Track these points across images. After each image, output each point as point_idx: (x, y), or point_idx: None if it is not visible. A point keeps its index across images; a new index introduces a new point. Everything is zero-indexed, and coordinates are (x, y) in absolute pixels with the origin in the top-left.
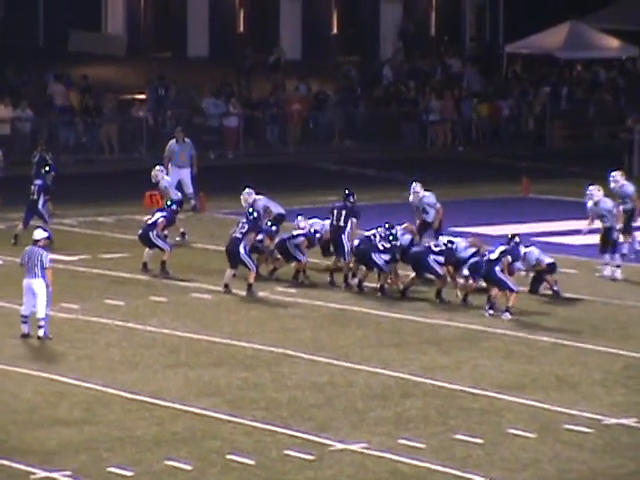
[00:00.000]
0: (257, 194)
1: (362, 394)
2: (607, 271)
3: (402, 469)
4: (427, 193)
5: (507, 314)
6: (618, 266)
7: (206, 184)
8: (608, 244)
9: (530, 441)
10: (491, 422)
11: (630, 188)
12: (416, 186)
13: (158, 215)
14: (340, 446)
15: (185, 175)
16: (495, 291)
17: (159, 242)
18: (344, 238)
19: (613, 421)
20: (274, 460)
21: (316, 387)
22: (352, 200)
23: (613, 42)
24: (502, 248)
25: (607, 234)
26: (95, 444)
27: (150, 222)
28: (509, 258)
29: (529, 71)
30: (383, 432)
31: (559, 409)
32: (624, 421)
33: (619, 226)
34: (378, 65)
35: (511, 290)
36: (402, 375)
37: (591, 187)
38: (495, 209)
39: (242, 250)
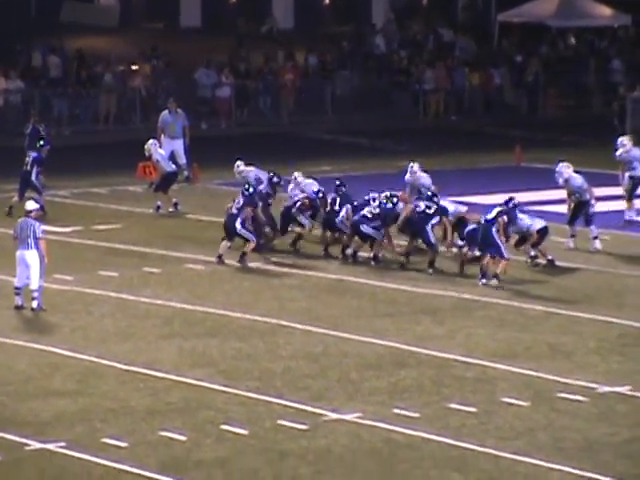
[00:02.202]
0: (248, 165)
1: (356, 364)
2: (571, 243)
3: (396, 438)
4: (424, 174)
5: (495, 280)
6: (596, 237)
7: (199, 155)
8: (578, 216)
9: (524, 410)
10: (485, 391)
11: (638, 152)
12: (414, 166)
13: (242, 202)
14: (334, 416)
15: (178, 146)
16: (487, 259)
17: (243, 232)
18: (337, 221)
19: (607, 389)
20: (268, 430)
21: (310, 357)
22: (344, 190)
23: (605, 10)
24: (499, 209)
25: (580, 207)
26: (89, 415)
27: (234, 210)
28: (505, 218)
29: (522, 39)
30: (377, 402)
31: (553, 378)
32: (619, 389)
33: (593, 200)
34: (371, 34)
35: (502, 257)
36: (396, 345)
37: (560, 164)
38: (488, 178)
39: (239, 225)
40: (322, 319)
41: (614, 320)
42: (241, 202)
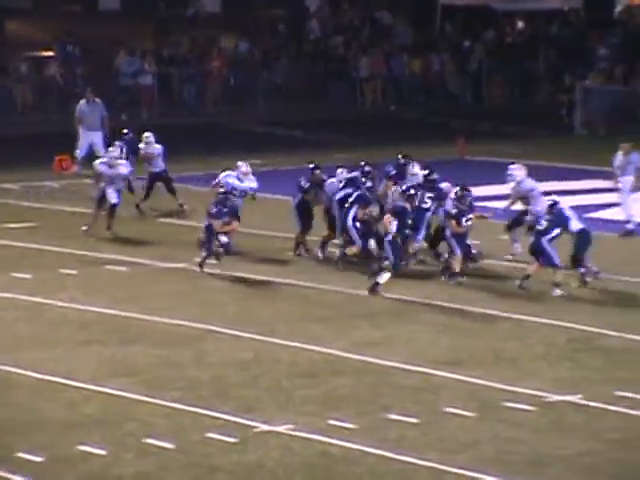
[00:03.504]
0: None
1: (288, 372)
2: (519, 249)
3: (331, 451)
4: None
5: (558, 290)
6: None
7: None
8: (517, 225)
9: (468, 420)
10: (427, 400)
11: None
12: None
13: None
14: (265, 428)
15: (97, 138)
16: (535, 267)
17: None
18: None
19: (557, 398)
20: (195, 443)
21: (240, 365)
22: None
23: None
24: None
25: (523, 216)
26: (2, 428)
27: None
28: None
29: (466, 24)
30: (311, 412)
31: (499, 386)
32: (569, 398)
33: (539, 207)
34: (304, 19)
35: (554, 265)
36: (331, 351)
37: (512, 167)
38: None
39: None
40: (252, 324)
41: (563, 324)
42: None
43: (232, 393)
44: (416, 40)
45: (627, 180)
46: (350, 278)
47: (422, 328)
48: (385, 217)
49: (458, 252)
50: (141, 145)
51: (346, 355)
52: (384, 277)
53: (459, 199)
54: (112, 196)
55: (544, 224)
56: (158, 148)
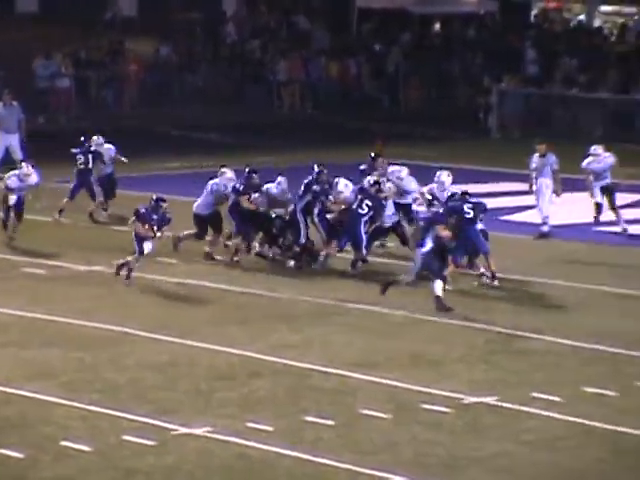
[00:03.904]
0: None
1: (206, 375)
2: None
3: (249, 453)
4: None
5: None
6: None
7: (36, 150)
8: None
9: (385, 422)
10: (344, 403)
11: (611, 160)
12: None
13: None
14: (183, 430)
15: (14, 141)
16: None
17: None
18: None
19: (473, 400)
20: (112, 446)
21: (157, 367)
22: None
23: None
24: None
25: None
26: None
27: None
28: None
29: (383, 27)
30: (229, 415)
31: (416, 388)
32: (485, 400)
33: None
34: (221, 23)
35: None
36: (249, 354)
37: (442, 172)
38: (347, 175)
39: None
40: (169, 326)
41: (480, 326)
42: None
43: (150, 396)
44: (333, 44)
45: (543, 182)
46: (268, 280)
47: (340, 330)
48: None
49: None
50: (92, 148)
51: (264, 357)
52: (438, 288)
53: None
54: (12, 199)
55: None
56: (111, 149)
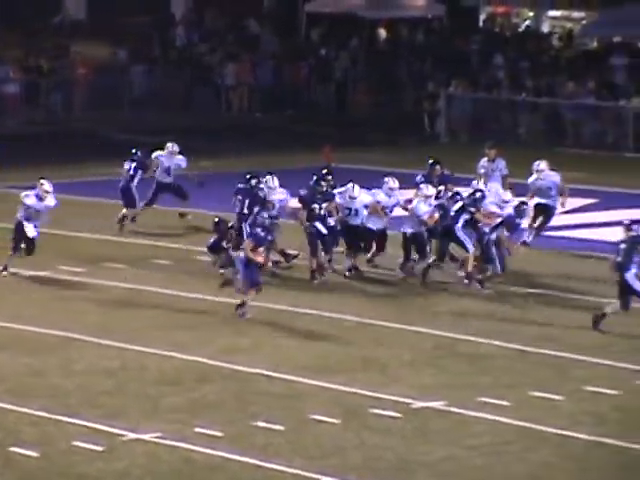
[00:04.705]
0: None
1: (155, 380)
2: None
3: (197, 459)
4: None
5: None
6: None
7: None
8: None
9: (334, 427)
10: (293, 407)
11: (556, 178)
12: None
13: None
14: (132, 436)
15: None
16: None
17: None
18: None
19: (422, 404)
20: (61, 452)
21: (106, 373)
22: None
23: (419, 0)
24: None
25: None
26: None
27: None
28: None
29: (331, 32)
30: (177, 420)
31: (365, 392)
32: (434, 404)
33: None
34: (170, 26)
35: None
36: (197, 359)
37: (389, 179)
38: (295, 180)
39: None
40: (118, 332)
41: (428, 331)
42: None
43: (99, 401)
44: (282, 48)
45: (492, 186)
46: (215, 286)
47: (289, 335)
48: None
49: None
50: (163, 153)
51: (212, 362)
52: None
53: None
54: (30, 230)
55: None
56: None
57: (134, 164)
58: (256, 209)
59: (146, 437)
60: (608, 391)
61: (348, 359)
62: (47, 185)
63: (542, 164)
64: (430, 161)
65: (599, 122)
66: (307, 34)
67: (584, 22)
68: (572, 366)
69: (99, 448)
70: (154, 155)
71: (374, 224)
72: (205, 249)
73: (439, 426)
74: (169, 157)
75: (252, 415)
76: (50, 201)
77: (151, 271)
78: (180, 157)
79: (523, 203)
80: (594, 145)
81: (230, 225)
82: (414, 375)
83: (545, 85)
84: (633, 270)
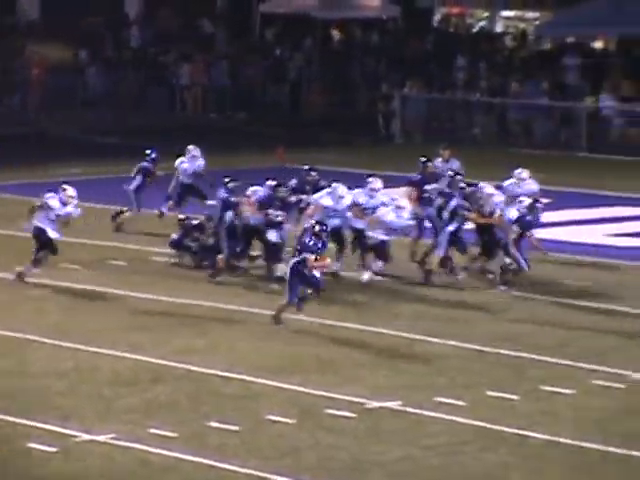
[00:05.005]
0: None
1: (109, 381)
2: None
3: (152, 460)
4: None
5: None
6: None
7: None
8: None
9: (289, 427)
10: (248, 408)
11: (534, 187)
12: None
13: None
14: (86, 437)
15: None
16: None
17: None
18: None
19: (377, 404)
20: (16, 453)
21: (60, 374)
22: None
23: (373, 1)
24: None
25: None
26: None
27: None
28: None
29: (286, 32)
30: (131, 421)
31: (320, 393)
32: (388, 404)
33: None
34: (124, 26)
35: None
36: (152, 360)
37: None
38: (250, 180)
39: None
40: (73, 333)
41: (384, 331)
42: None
43: (53, 402)
44: (236, 48)
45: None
46: (172, 286)
47: (244, 336)
48: None
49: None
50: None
51: (167, 363)
52: None
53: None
54: (52, 233)
55: None
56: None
57: (138, 169)
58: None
59: (100, 438)
60: (564, 391)
61: (303, 359)
62: (71, 190)
63: (524, 173)
64: (422, 159)
65: (552, 122)
66: (261, 34)
67: (538, 22)
68: (529, 366)
69: (53, 449)
70: (177, 163)
71: (356, 224)
72: (160, 250)
73: (394, 426)
74: (192, 160)
75: (206, 415)
76: (73, 209)
77: (106, 272)
78: (201, 159)
79: (536, 201)
80: (547, 145)
81: (196, 224)
82: (369, 375)
83: (499, 85)
84: None
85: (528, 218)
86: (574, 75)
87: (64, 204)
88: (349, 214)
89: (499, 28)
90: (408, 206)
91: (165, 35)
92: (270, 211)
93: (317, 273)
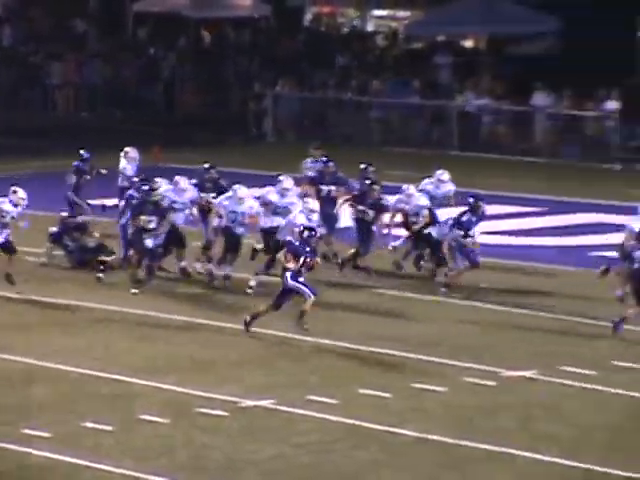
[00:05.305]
0: None
1: None
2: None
3: (27, 460)
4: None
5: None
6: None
7: None
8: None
9: (163, 427)
10: (123, 408)
11: (451, 188)
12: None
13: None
14: None
15: None
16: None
17: None
18: None
19: (250, 403)
20: None
21: None
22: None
23: (245, 0)
24: None
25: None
26: None
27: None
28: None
29: (159, 31)
30: (6, 421)
31: (194, 392)
32: (262, 403)
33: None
34: None
35: None
36: (26, 360)
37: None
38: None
39: None
40: None
41: (258, 330)
42: None
43: None
44: (109, 47)
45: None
46: (47, 287)
47: (120, 336)
48: None
49: None
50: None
51: (42, 364)
52: None
53: None
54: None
55: None
56: None
57: (72, 170)
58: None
59: None
60: (435, 388)
61: (178, 359)
62: (21, 192)
63: (445, 175)
64: (362, 166)
65: (424, 121)
66: (134, 33)
67: (408, 21)
68: (401, 364)
69: None
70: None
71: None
72: (32, 249)
73: (267, 425)
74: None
75: (81, 416)
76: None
77: None
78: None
79: (476, 198)
80: (420, 144)
81: (78, 224)
82: (243, 375)
83: (371, 84)
84: None
85: (471, 218)
86: (446, 74)
87: (15, 205)
88: (247, 220)
89: (370, 27)
90: (317, 208)
91: (37, 35)
92: (142, 217)
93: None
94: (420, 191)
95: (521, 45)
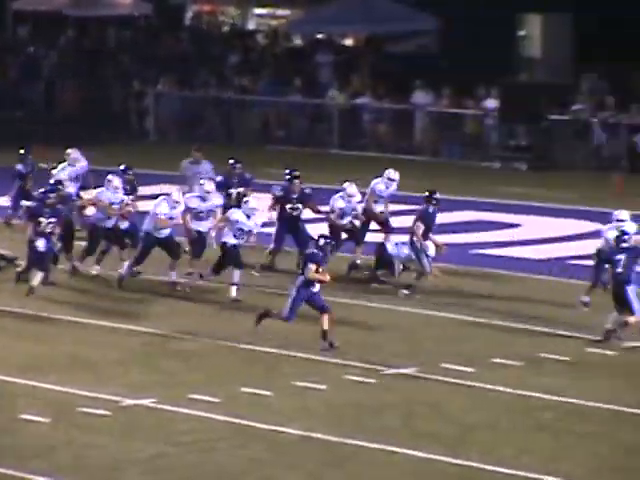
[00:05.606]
0: None
1: None
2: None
3: None
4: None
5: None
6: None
7: None
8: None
9: (44, 427)
10: (2, 407)
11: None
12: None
13: None
14: None
15: None
16: None
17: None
18: None
19: (132, 402)
20: None
21: None
22: None
23: None
24: None
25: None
26: None
27: None
28: None
29: (39, 30)
30: None
31: (75, 391)
32: (143, 402)
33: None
34: None
35: None
36: None
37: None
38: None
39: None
40: None
41: (137, 328)
42: None
43: None
44: None
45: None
46: None
47: None
48: None
49: None
50: None
51: None
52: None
53: None
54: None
55: None
56: None
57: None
58: None
59: None
60: (317, 386)
61: (58, 358)
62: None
63: (394, 174)
64: (231, 161)
65: (305, 119)
66: (14, 31)
67: (288, 20)
68: (282, 362)
69: None
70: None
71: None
72: None
73: (149, 423)
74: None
75: None
76: None
77: None
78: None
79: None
80: (302, 142)
81: None
82: (124, 373)
83: (252, 83)
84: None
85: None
86: (327, 72)
87: None
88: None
89: (251, 26)
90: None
91: None
92: (41, 219)
93: (317, 287)
94: (372, 190)
95: (400, 44)
